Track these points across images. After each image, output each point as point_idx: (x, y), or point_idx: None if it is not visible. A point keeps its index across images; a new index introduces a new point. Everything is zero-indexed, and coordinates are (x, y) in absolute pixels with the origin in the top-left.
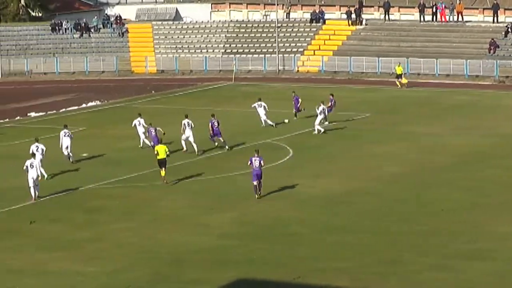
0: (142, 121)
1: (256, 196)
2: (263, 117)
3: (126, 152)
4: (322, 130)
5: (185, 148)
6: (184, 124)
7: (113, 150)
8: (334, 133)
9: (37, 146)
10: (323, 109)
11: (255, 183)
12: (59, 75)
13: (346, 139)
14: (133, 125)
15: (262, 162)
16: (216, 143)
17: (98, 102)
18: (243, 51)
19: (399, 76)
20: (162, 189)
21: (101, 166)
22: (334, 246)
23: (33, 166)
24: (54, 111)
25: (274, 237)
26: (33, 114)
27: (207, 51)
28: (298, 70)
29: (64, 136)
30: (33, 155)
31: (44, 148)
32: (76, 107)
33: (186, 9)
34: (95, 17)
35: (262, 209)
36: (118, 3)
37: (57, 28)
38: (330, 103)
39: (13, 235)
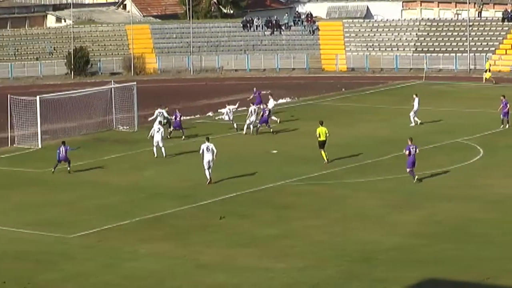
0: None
1: (415, 180)
2: None
3: (315, 150)
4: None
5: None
6: (251, 112)
7: (302, 147)
8: None
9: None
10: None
11: (409, 169)
12: (250, 72)
13: None
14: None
15: (417, 149)
16: (261, 128)
17: (288, 99)
18: (433, 49)
19: (487, 70)
20: (350, 187)
21: (290, 163)
22: None
23: (209, 150)
24: (244, 108)
25: (463, 237)
26: (223, 110)
27: (397, 49)
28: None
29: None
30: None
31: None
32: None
33: (377, 7)
34: (286, 14)
35: (452, 209)
36: (309, 1)
37: (248, 25)
38: (501, 105)
39: (203, 230)
